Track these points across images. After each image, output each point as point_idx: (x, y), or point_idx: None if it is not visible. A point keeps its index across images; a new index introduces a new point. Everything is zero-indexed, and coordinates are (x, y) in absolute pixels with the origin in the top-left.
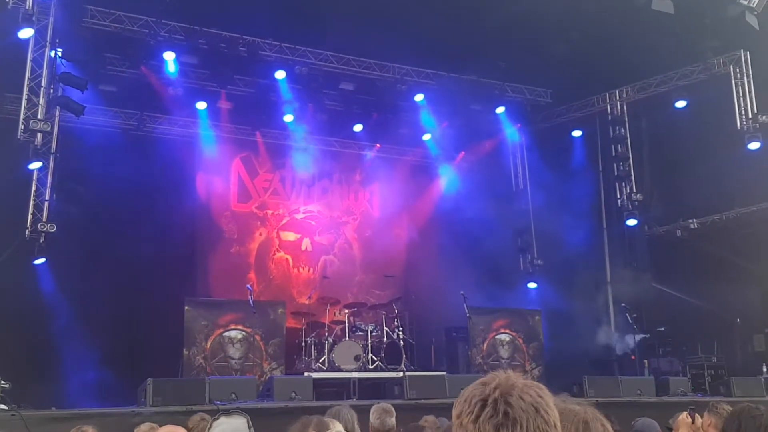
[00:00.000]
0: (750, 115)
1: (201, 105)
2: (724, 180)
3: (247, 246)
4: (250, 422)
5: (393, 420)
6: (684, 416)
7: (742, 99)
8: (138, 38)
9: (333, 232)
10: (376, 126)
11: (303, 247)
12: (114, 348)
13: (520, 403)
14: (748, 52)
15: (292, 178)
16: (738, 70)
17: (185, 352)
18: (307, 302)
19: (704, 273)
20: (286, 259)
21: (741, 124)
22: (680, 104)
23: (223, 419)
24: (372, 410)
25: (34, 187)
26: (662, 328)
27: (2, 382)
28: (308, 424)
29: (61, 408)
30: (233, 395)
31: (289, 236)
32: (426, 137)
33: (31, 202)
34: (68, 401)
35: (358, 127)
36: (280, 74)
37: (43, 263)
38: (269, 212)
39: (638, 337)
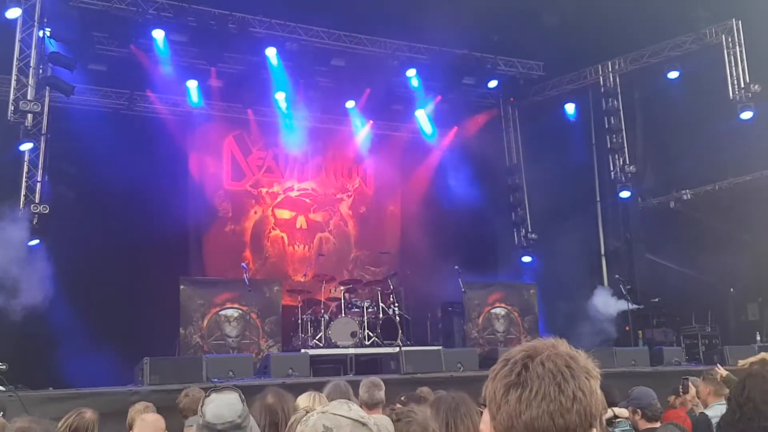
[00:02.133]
0: (742, 85)
1: (191, 83)
2: (717, 150)
3: (242, 224)
4: (242, 396)
5: (382, 393)
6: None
7: (734, 68)
8: (126, 16)
9: (327, 209)
10: (368, 102)
11: (298, 225)
12: (110, 328)
13: (538, 368)
14: (740, 21)
15: (286, 156)
16: (730, 39)
17: (182, 331)
18: (302, 280)
19: (698, 243)
20: (282, 237)
21: (733, 93)
22: (673, 75)
23: (214, 395)
24: (361, 384)
25: (26, 169)
26: (656, 299)
27: None
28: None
29: (58, 388)
30: (230, 373)
31: (284, 214)
32: (419, 113)
33: (24, 184)
34: (65, 381)
35: (350, 104)
36: (270, 51)
37: (37, 244)
38: (263, 190)
39: (632, 308)
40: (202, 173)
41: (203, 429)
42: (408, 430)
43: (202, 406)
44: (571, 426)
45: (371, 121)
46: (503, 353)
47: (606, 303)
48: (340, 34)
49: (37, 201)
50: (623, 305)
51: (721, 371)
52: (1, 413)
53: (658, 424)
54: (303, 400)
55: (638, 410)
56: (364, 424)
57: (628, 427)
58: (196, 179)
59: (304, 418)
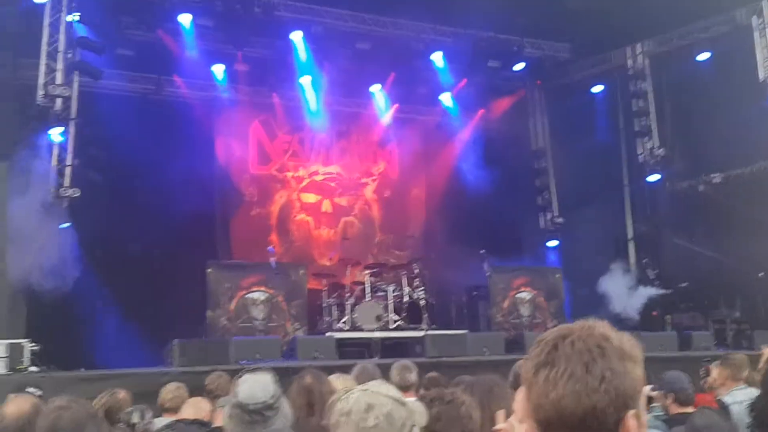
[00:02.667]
0: None
1: (218, 68)
2: (747, 133)
3: (268, 208)
4: (276, 377)
5: (414, 376)
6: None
7: (764, 50)
8: (153, 0)
9: (352, 193)
10: (393, 85)
11: (323, 209)
12: (138, 310)
13: (567, 348)
14: None
15: (311, 140)
16: (761, 21)
17: (209, 313)
18: (328, 263)
19: (727, 227)
20: (307, 221)
21: (764, 75)
22: (702, 57)
23: (247, 376)
24: (393, 367)
25: (55, 153)
26: (684, 284)
27: (32, 344)
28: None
29: (89, 369)
30: (257, 355)
31: (310, 198)
32: (444, 96)
33: (54, 168)
34: (94, 362)
35: (375, 87)
36: (295, 35)
37: (67, 227)
38: (289, 174)
39: (660, 292)
40: (228, 157)
41: (236, 408)
42: (458, 412)
43: (235, 386)
44: (599, 406)
45: (396, 105)
46: (529, 338)
47: (620, 292)
48: (365, 17)
49: (67, 185)
50: (641, 294)
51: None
52: (41, 392)
53: (691, 409)
54: (333, 382)
55: (670, 394)
56: (403, 404)
57: (661, 412)
58: (223, 163)
59: (345, 396)
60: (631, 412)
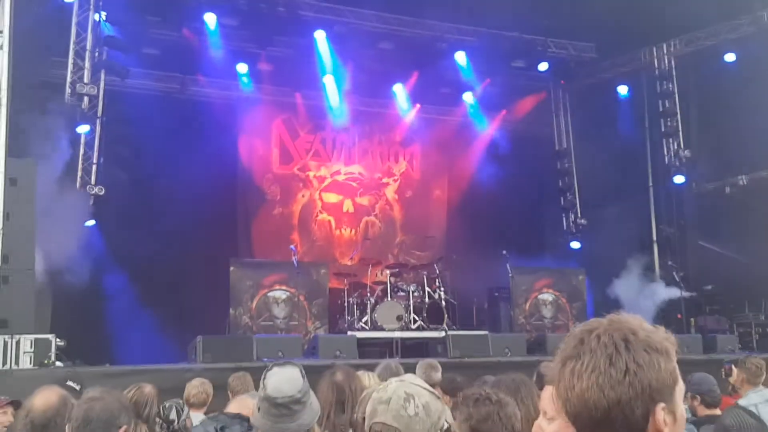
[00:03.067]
0: None
1: (242, 67)
2: None
3: (290, 207)
4: (303, 372)
5: (439, 375)
6: None
7: None
8: (179, 0)
9: (374, 193)
10: (416, 85)
11: (344, 209)
12: (161, 307)
13: (593, 342)
14: None
15: (333, 140)
16: None
17: (231, 311)
18: (349, 263)
19: (753, 230)
20: (329, 220)
21: None
22: (729, 58)
23: (276, 369)
24: (418, 366)
25: (82, 151)
26: (709, 287)
27: (58, 340)
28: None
29: (113, 365)
30: (279, 353)
31: (331, 198)
32: (467, 96)
33: (80, 166)
34: (118, 358)
35: (397, 87)
36: (319, 34)
37: (93, 225)
38: (311, 174)
39: (685, 295)
40: (251, 156)
41: (264, 402)
42: (506, 412)
43: (263, 380)
44: (623, 399)
45: (418, 105)
46: (551, 339)
47: (632, 297)
48: (388, 17)
49: (93, 183)
50: (656, 297)
51: None
52: (79, 386)
53: (717, 411)
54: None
55: (698, 396)
56: (438, 397)
57: (689, 415)
58: (245, 162)
59: (381, 387)
60: (661, 405)
